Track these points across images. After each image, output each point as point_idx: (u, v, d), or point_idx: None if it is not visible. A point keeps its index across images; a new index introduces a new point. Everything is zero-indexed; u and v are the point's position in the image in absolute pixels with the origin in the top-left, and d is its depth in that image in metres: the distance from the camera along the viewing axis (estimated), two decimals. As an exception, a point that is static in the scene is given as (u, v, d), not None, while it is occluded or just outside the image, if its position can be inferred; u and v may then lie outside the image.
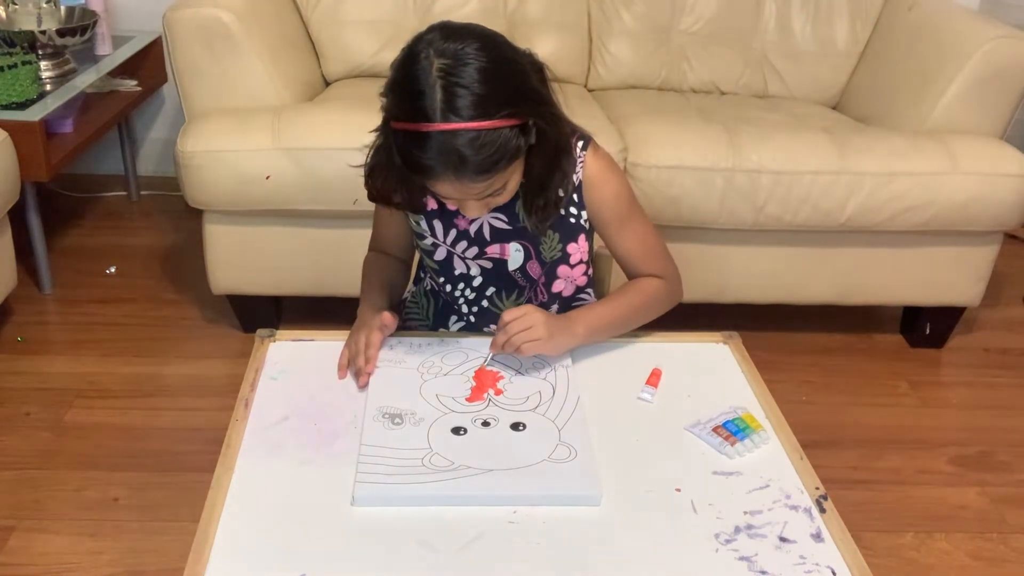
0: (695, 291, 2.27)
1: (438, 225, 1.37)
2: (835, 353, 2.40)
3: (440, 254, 1.40)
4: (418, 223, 1.38)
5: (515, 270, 1.39)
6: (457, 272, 1.40)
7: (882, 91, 2.52)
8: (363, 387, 1.21)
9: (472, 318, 1.43)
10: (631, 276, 1.43)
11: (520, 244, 1.37)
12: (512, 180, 1.21)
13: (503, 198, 1.24)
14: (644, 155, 2.11)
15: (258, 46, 2.18)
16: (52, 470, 1.86)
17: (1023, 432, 2.14)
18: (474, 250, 1.38)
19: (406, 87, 1.14)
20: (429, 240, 1.39)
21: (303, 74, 2.44)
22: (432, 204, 1.36)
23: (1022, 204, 2.18)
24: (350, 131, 2.03)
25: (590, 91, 2.68)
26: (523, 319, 1.22)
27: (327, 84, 2.63)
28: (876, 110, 2.50)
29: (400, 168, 1.19)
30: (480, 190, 1.17)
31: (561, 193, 1.31)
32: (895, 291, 2.34)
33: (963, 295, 2.34)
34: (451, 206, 1.29)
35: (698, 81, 2.70)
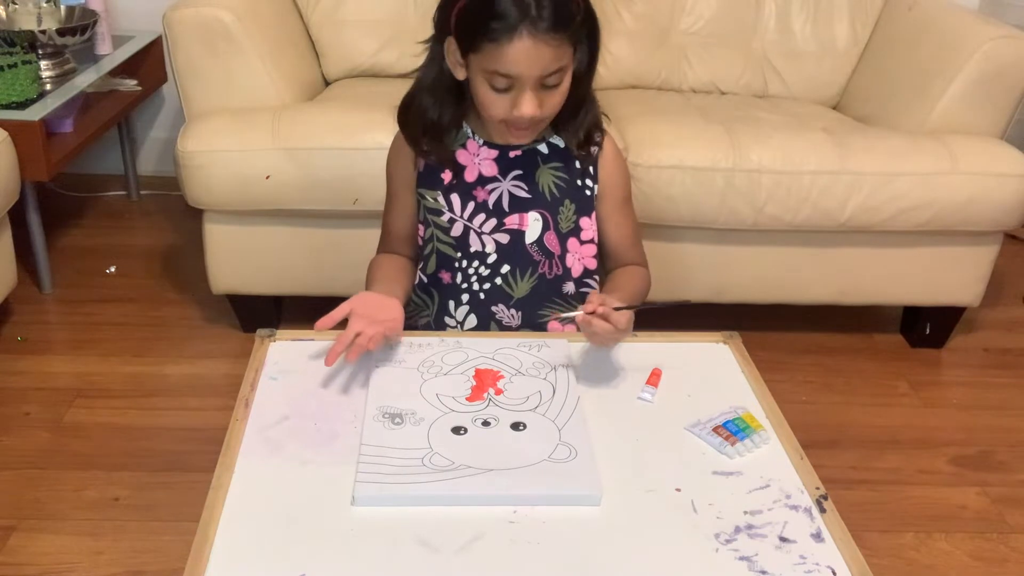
0: (695, 291, 2.28)
1: (455, 199, 1.40)
2: (835, 353, 2.40)
3: (457, 230, 1.41)
4: (435, 199, 1.40)
5: (532, 243, 1.40)
6: (472, 249, 1.41)
7: (882, 91, 2.52)
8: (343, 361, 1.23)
9: (482, 295, 1.43)
10: (616, 261, 1.49)
11: (539, 214, 1.40)
12: (566, 78, 1.27)
13: (554, 100, 1.28)
14: (644, 155, 2.11)
15: (258, 46, 2.18)
16: (52, 470, 1.86)
17: (1023, 432, 2.14)
18: (492, 223, 1.40)
19: None
20: (446, 216, 1.40)
21: (303, 74, 2.44)
22: (448, 178, 1.39)
23: (1022, 204, 2.18)
24: (350, 131, 2.06)
25: (590, 91, 2.68)
26: (627, 328, 1.23)
27: (327, 84, 2.63)
28: (876, 110, 2.50)
29: (444, 89, 1.32)
30: (548, 59, 1.21)
31: (595, 148, 1.39)
32: (895, 291, 2.34)
33: (963, 295, 2.34)
34: (499, 115, 1.29)
35: (698, 81, 2.70)
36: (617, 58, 2.68)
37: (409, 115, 1.37)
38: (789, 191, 2.11)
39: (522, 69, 1.23)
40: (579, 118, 1.36)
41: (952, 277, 2.30)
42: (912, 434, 2.11)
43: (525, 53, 1.21)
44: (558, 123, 1.38)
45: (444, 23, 1.28)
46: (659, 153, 2.11)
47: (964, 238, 2.25)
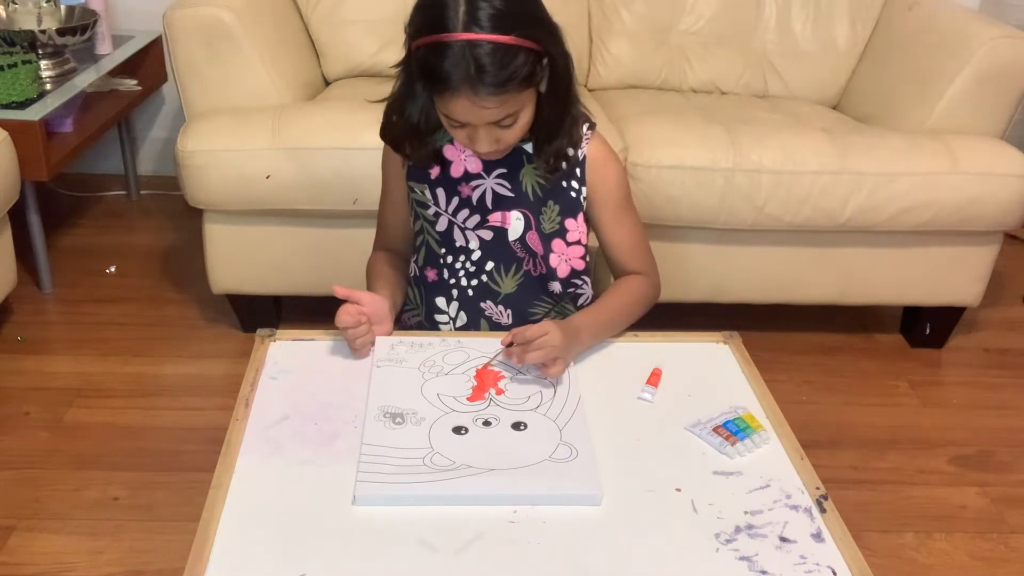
0: (695, 291, 2.28)
1: (441, 193, 1.40)
2: (835, 353, 2.40)
3: (442, 224, 1.42)
4: (423, 192, 1.40)
5: (515, 240, 1.40)
6: (457, 244, 1.42)
7: (882, 91, 2.52)
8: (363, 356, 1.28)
9: (470, 292, 1.43)
10: (618, 269, 1.47)
11: (521, 213, 1.40)
12: (523, 115, 1.25)
13: (513, 134, 1.27)
14: (644, 155, 2.11)
15: (258, 46, 2.18)
16: (52, 470, 1.86)
17: (1023, 432, 2.14)
18: (475, 219, 1.40)
19: (431, 2, 1.20)
20: (432, 210, 1.41)
21: (303, 74, 2.44)
22: (436, 172, 1.39)
23: (1022, 204, 2.18)
24: (350, 131, 2.06)
25: (590, 91, 2.68)
26: (546, 338, 1.21)
27: (327, 84, 2.63)
28: (876, 110, 2.50)
29: (416, 110, 1.27)
30: (493, 113, 1.21)
31: (570, 150, 1.35)
32: (895, 291, 2.33)
33: (963, 295, 2.34)
34: (460, 142, 1.31)
35: (698, 81, 2.70)
36: (617, 58, 2.68)
37: (392, 124, 1.35)
38: (789, 191, 2.11)
39: (469, 120, 1.23)
40: (553, 144, 1.33)
41: (952, 277, 2.30)
42: (912, 434, 2.11)
43: (468, 109, 1.21)
44: (536, 143, 1.35)
45: (408, 49, 1.25)
46: (659, 153, 2.11)
47: (964, 238, 2.25)
